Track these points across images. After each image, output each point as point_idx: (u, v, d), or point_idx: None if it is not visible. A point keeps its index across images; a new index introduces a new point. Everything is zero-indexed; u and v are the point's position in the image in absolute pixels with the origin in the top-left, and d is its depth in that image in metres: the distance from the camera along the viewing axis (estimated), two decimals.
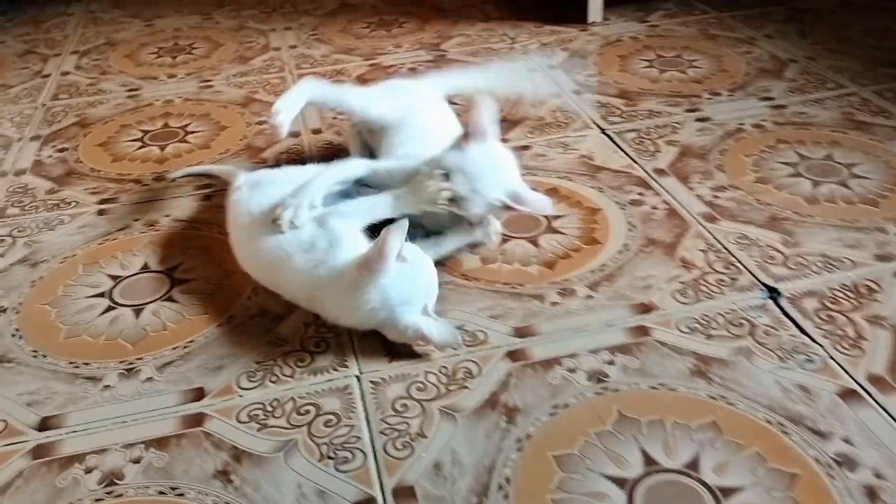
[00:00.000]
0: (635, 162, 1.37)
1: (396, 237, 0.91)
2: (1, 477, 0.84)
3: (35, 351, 1.01)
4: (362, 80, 1.77)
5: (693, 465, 0.81)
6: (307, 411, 0.89)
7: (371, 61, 1.87)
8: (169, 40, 2.08)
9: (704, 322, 1.00)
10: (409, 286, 0.95)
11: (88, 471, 0.84)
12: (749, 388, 0.89)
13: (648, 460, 0.82)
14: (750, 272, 1.09)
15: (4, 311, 1.08)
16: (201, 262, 1.16)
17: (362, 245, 0.98)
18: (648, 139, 1.44)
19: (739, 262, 1.11)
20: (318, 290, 0.97)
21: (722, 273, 1.09)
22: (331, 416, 0.89)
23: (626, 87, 1.65)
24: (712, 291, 1.05)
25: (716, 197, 1.26)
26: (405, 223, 0.93)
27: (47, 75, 1.89)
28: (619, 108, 1.56)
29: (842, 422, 0.85)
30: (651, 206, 1.25)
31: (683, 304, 1.04)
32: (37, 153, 1.51)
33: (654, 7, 2.11)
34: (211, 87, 1.78)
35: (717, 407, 0.87)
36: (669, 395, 0.90)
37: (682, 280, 1.08)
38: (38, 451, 0.86)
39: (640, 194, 1.28)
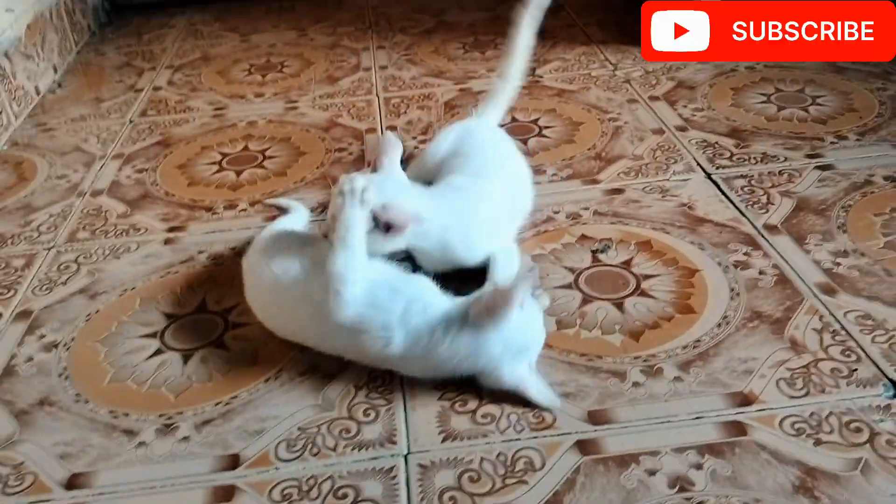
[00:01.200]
0: (743, 215, 1.22)
1: (525, 283, 0.86)
2: None
3: (78, 395, 0.97)
4: (449, 105, 1.68)
5: None
6: (345, 495, 0.80)
7: (461, 86, 1.78)
8: (262, 57, 2.06)
9: (815, 423, 0.85)
10: (526, 335, 0.91)
11: None
12: None
13: None
14: (873, 362, 0.92)
15: (56, 346, 1.05)
16: None
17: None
18: (760, 188, 1.28)
19: (861, 347, 0.94)
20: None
21: (839, 361, 0.93)
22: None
23: (738, 125, 1.49)
24: (825, 384, 0.90)
25: (836, 264, 1.09)
26: (536, 268, 0.96)
27: (140, 90, 1.90)
28: (728, 150, 1.41)
29: None
30: (759, 270, 1.09)
31: (791, 397, 0.89)
32: (116, 173, 1.50)
33: None
34: (296, 108, 1.73)
35: None
36: None
37: (791, 366, 0.93)
38: None
39: (746, 255, 1.13)
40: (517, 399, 0.90)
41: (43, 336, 1.07)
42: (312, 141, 1.57)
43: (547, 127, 1.55)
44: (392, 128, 1.59)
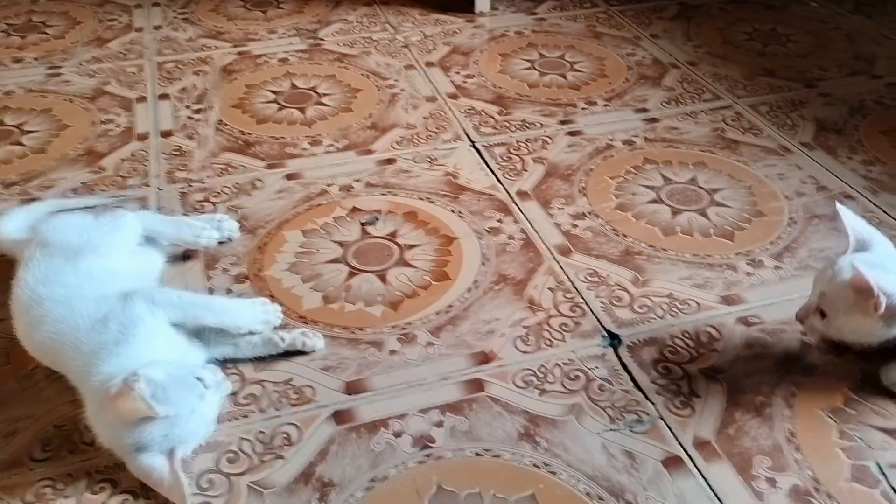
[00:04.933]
0: (500, 182, 1.32)
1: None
2: None
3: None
4: (228, 70, 1.65)
5: None
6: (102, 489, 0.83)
7: (240, 48, 1.75)
8: (21, 15, 1.90)
9: (541, 375, 0.97)
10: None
11: None
12: (574, 455, 0.87)
13: None
14: (595, 315, 1.06)
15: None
16: None
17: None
18: (517, 155, 1.39)
19: (586, 302, 1.08)
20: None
21: (567, 317, 1.06)
22: (127, 497, 0.82)
23: (503, 92, 1.60)
24: (554, 338, 1.02)
25: (574, 226, 1.22)
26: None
27: None
28: (492, 117, 1.51)
29: (662, 496, 0.83)
30: (508, 235, 1.20)
31: (524, 352, 1.00)
32: None
33: None
34: (60, 75, 1.63)
35: (539, 477, 0.85)
36: (493, 462, 0.86)
37: (527, 324, 1.04)
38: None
39: (499, 221, 1.23)
40: (279, 378, 0.95)
41: None
42: (77, 112, 1.50)
43: (326, 94, 1.58)
44: (164, 96, 1.55)
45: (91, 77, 1.62)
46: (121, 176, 1.31)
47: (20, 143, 1.40)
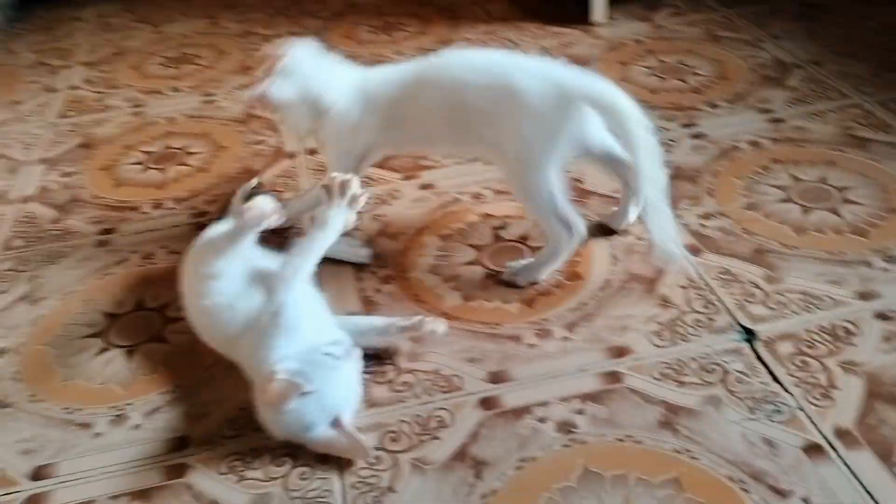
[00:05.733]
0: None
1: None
2: None
3: (32, 395, 1.06)
4: None
5: None
6: (283, 462, 0.93)
7: None
8: (175, 49, 2.10)
9: (678, 368, 1.01)
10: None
11: None
12: (715, 442, 0.91)
13: None
14: (729, 312, 1.09)
15: (4, 352, 1.13)
16: None
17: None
18: None
19: (720, 299, 1.11)
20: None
21: (700, 313, 1.09)
22: (305, 469, 0.92)
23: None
24: (688, 334, 1.06)
25: (702, 226, 1.25)
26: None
27: (57, 90, 1.93)
28: None
29: (804, 480, 0.86)
30: (637, 236, 1.25)
31: (658, 346, 1.05)
32: (43, 178, 1.56)
33: (662, 3, 2.07)
34: (213, 101, 1.80)
35: (680, 462, 0.89)
36: (636, 448, 0.91)
37: (659, 320, 1.09)
38: (34, 501, 0.92)
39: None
40: (428, 368, 1.04)
41: None
42: (231, 135, 1.66)
43: None
44: None
45: (240, 102, 1.78)
46: (276, 190, 1.45)
47: (186, 164, 1.57)
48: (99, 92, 1.90)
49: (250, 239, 1.02)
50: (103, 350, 1.13)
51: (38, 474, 0.95)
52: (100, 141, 1.68)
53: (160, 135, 1.68)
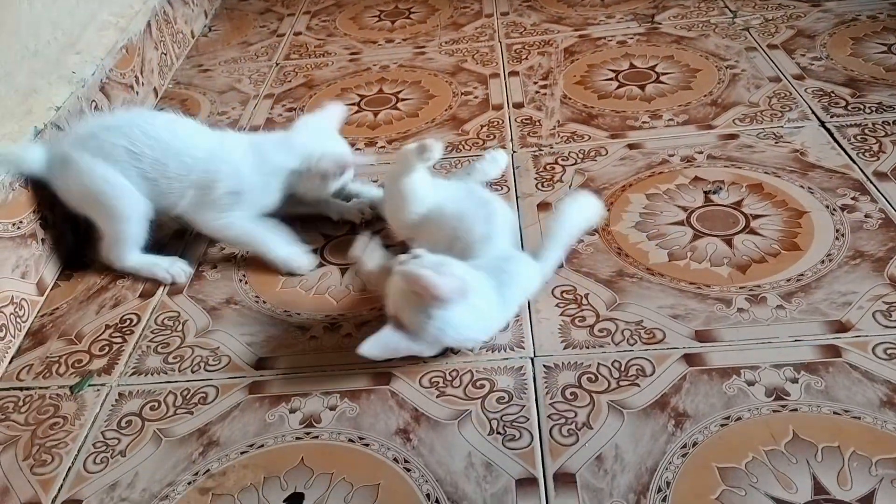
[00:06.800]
0: (854, 162, 1.27)
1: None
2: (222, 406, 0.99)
3: (257, 297, 1.16)
4: (570, 51, 1.77)
5: (868, 499, 0.78)
6: (482, 385, 0.96)
7: (581, 32, 1.86)
8: (390, 3, 2.19)
9: None
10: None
11: (293, 411, 0.97)
12: None
13: (819, 488, 0.80)
14: None
15: (235, 256, 1.24)
16: None
17: None
18: (873, 136, 1.33)
19: None
20: None
21: None
22: (503, 394, 0.95)
23: (855, 75, 1.52)
24: None
25: None
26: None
27: (282, 35, 2.07)
28: (844, 99, 1.45)
29: None
30: (865, 213, 1.16)
31: (886, 326, 0.97)
32: (269, 111, 1.69)
33: None
34: (424, 53, 1.87)
35: None
36: (853, 423, 0.86)
37: (888, 300, 1.01)
38: (255, 386, 1.01)
39: (853, 199, 1.19)
40: (630, 319, 1.03)
41: (223, 248, 1.27)
42: (441, 85, 1.71)
43: (664, 73, 1.63)
44: (514, 73, 1.71)
45: (450, 56, 1.83)
46: (480, 139, 1.48)
47: (397, 108, 1.64)
48: (320, 38, 2.02)
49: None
50: (319, 265, 1.21)
51: (259, 364, 1.04)
52: (320, 81, 1.79)
53: (374, 80, 1.77)
